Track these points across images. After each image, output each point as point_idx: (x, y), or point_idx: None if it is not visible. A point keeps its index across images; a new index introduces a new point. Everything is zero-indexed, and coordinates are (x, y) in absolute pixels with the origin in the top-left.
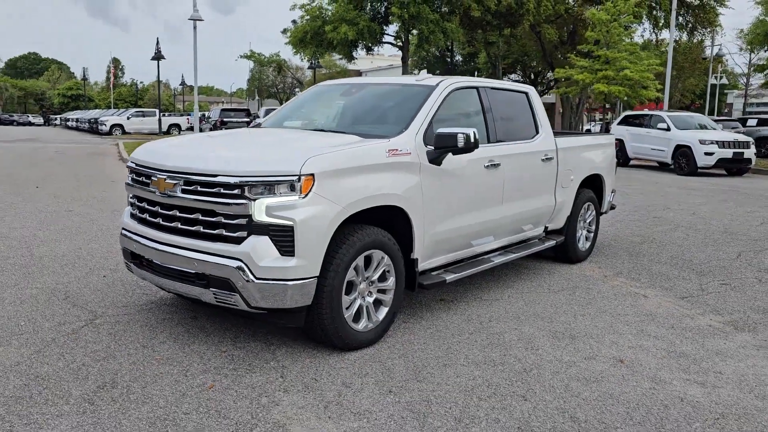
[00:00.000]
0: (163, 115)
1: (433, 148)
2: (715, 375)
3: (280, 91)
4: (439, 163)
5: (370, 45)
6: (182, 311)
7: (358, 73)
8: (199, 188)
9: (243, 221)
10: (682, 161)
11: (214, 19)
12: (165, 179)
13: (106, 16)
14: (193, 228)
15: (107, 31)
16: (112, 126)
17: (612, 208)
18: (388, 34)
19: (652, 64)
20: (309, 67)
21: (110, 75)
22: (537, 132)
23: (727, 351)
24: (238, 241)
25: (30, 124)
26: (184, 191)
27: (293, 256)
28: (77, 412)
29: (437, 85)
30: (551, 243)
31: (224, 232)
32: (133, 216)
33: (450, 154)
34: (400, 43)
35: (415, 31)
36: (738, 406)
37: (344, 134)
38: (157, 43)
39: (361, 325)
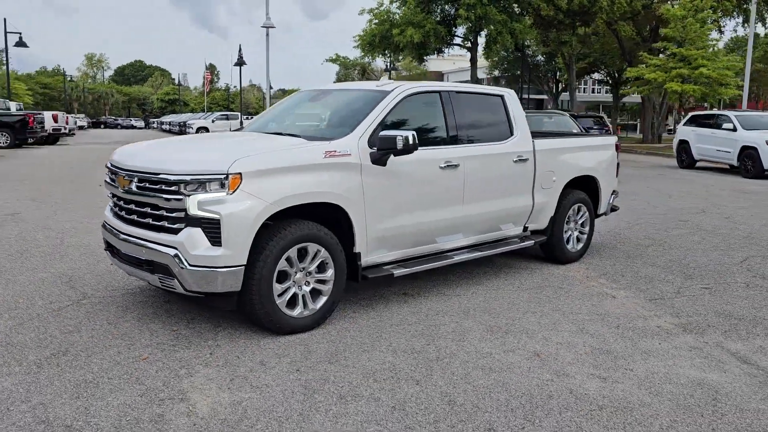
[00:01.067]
0: (248, 117)
1: (376, 149)
2: (623, 372)
3: None
4: (383, 164)
5: (439, 47)
6: (160, 296)
7: (440, 75)
8: (147, 185)
9: (180, 214)
10: (748, 163)
11: (306, 24)
12: (124, 177)
13: (206, 24)
14: (144, 220)
15: (206, 38)
16: (198, 128)
17: (613, 210)
18: (457, 36)
19: (732, 60)
20: (384, 70)
21: (205, 80)
22: (511, 134)
23: (656, 351)
24: (177, 232)
25: (132, 127)
26: (137, 188)
27: (221, 246)
28: (23, 372)
29: (392, 90)
30: (529, 243)
31: (166, 224)
32: (111, 210)
33: (402, 155)
34: (468, 45)
35: (484, 32)
36: (624, 401)
37: (293, 137)
38: (240, 50)
39: (296, 312)
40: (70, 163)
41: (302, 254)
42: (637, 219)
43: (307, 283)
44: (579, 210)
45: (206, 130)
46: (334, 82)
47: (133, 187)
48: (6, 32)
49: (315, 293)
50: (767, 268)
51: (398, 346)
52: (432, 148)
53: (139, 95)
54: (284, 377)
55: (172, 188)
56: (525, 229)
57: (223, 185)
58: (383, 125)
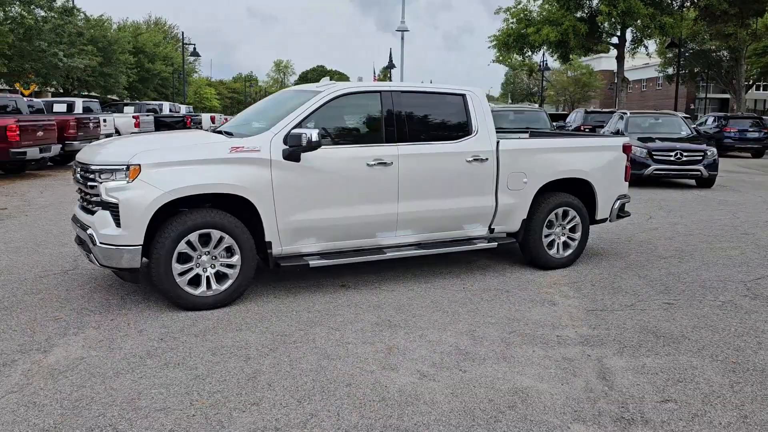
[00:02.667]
0: None
1: (288, 146)
2: (453, 372)
3: (533, 93)
4: (296, 160)
5: (583, 45)
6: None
7: (613, 74)
8: (83, 174)
9: (98, 199)
10: None
11: (483, 24)
12: (75, 168)
13: (388, 27)
14: (83, 204)
15: (389, 41)
16: None
17: (621, 216)
18: (605, 32)
19: None
20: (537, 70)
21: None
22: (470, 133)
23: (517, 358)
24: (94, 213)
25: None
26: (80, 177)
27: (120, 227)
28: None
29: (321, 91)
30: (491, 245)
31: (92, 207)
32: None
33: (308, 151)
34: (615, 41)
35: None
36: (417, 397)
37: (219, 134)
38: (390, 54)
39: (198, 291)
40: None
41: (206, 239)
42: (682, 227)
43: (213, 266)
44: (566, 214)
45: None
46: (502, 84)
47: (78, 176)
48: (183, 44)
49: (221, 276)
50: (763, 292)
51: (273, 329)
52: (361, 146)
53: None
54: (146, 344)
55: (92, 176)
56: (491, 230)
57: (125, 175)
58: (303, 124)
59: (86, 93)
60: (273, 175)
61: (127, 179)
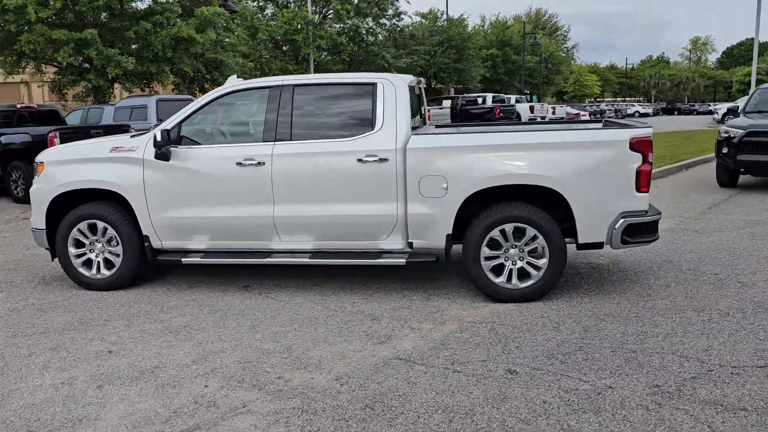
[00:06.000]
0: None
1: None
2: (122, 358)
3: None
4: (166, 159)
5: None
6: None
7: None
8: None
9: None
10: None
11: None
12: None
13: None
14: None
15: None
16: (724, 115)
17: (633, 242)
18: None
19: None
20: None
21: None
22: (373, 128)
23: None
24: None
25: (701, 113)
26: None
27: (32, 215)
28: None
29: (213, 91)
30: (398, 261)
31: None
32: None
33: (189, 150)
34: None
35: None
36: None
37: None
38: None
39: (90, 273)
40: None
41: (95, 229)
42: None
43: (102, 253)
44: (521, 232)
45: None
46: None
47: None
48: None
49: (109, 263)
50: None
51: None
52: (234, 146)
53: (723, 78)
54: (36, 316)
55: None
56: (410, 245)
57: (36, 171)
58: (186, 124)
59: (441, 87)
60: (145, 174)
61: (38, 174)
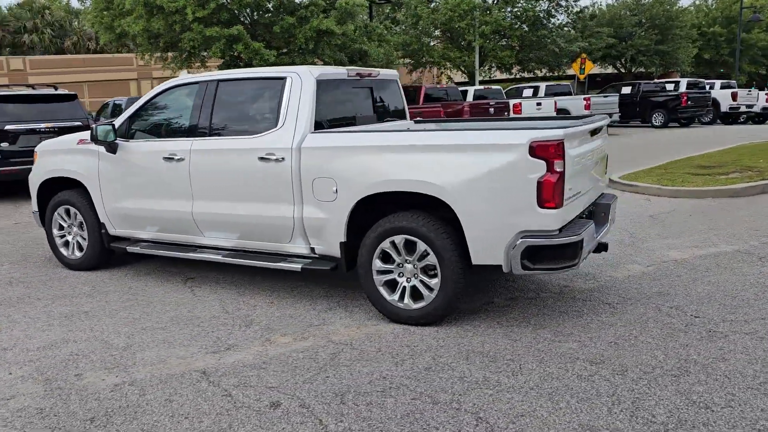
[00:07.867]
0: None
1: None
2: None
3: None
4: (113, 152)
5: None
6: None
7: None
8: None
9: None
10: None
11: None
12: None
13: None
14: None
15: None
16: None
17: (535, 268)
18: None
19: None
20: None
21: None
22: (276, 125)
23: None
24: None
25: None
26: None
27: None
28: None
29: (157, 87)
30: (292, 267)
31: None
32: None
33: (129, 144)
34: None
35: None
36: None
37: None
38: None
39: (68, 253)
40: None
41: (70, 213)
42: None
43: (74, 237)
44: (411, 246)
45: None
46: None
47: None
48: None
49: (79, 245)
50: None
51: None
52: (163, 141)
53: None
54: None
55: None
56: (312, 250)
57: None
58: (135, 119)
59: (644, 71)
60: (99, 165)
61: (35, 163)
